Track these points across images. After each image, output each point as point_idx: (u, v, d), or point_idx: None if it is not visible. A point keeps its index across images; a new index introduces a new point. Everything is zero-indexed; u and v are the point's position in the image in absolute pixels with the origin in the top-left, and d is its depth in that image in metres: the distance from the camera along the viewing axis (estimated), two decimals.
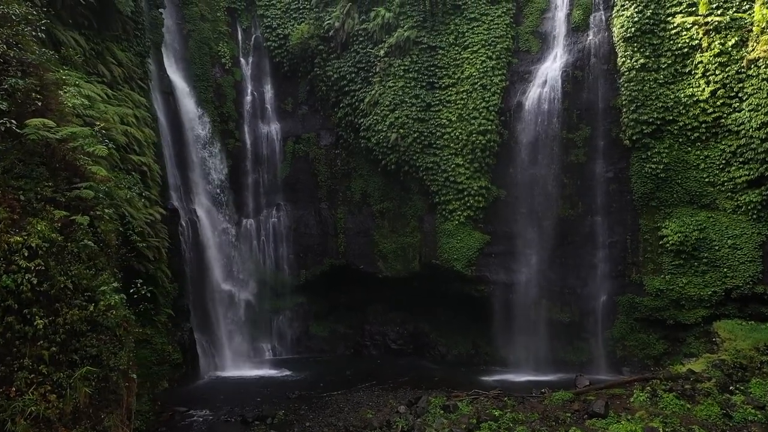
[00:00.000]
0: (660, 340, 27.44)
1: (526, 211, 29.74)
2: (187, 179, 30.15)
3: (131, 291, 13.17)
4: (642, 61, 27.24)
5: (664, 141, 27.10)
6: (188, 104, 31.02)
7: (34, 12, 12.87)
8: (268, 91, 35.42)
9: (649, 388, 19.83)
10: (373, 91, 31.86)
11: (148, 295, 13.51)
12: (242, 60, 35.00)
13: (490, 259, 30.23)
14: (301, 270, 34.35)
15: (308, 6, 34.35)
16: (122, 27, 24.74)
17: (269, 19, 34.85)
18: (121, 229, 15.42)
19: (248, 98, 34.86)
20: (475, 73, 30.35)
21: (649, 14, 27.25)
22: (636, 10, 27.44)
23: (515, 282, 29.98)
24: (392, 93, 31.27)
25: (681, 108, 26.72)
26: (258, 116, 35.00)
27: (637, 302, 27.66)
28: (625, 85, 27.60)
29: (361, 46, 32.59)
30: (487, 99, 30.00)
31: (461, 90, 30.57)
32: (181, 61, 32.12)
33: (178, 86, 30.63)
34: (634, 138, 27.48)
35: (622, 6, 27.97)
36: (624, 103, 27.68)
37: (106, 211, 12.20)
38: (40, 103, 11.78)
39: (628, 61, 27.57)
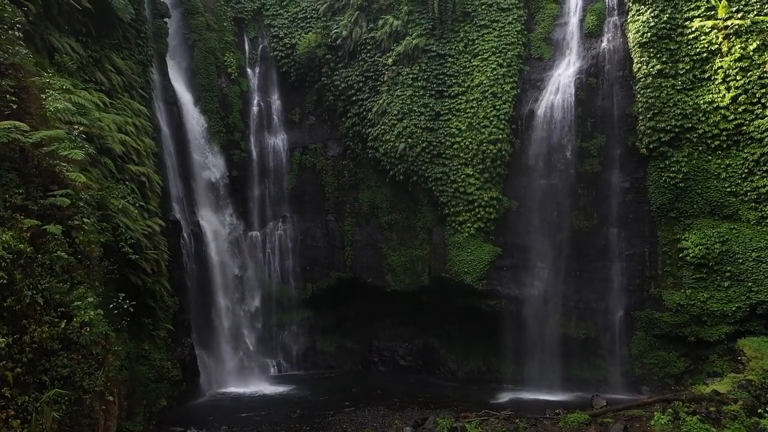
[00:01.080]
0: (681, 358, 26.17)
1: (539, 223, 28.72)
2: (191, 191, 29.52)
3: (110, 305, 12.34)
4: (659, 66, 26.24)
5: (683, 149, 25.99)
6: (193, 115, 30.48)
7: (9, 8, 12.22)
8: (275, 102, 34.84)
9: (670, 409, 18.60)
10: (381, 100, 31.16)
11: (131, 309, 12.68)
12: (249, 70, 34.49)
13: (501, 272, 29.20)
14: (307, 283, 33.50)
15: (315, 15, 33.84)
16: (123, 35, 24.24)
17: (276, 29, 34.36)
18: (103, 240, 14.50)
19: (255, 109, 34.30)
20: (485, 81, 29.54)
21: (665, 18, 26.27)
22: (652, 14, 26.48)
23: (528, 296, 28.91)
24: (400, 102, 30.55)
25: (700, 115, 25.63)
26: (264, 127, 34.40)
27: (657, 318, 26.45)
28: (642, 91, 26.60)
29: (368, 54, 31.95)
30: (498, 107, 29.14)
31: (471, 98, 29.75)
32: (186, 71, 31.66)
33: (182, 96, 30.13)
34: (651, 146, 26.42)
35: (638, 11, 27.03)
36: (640, 110, 26.66)
37: (86, 220, 11.44)
38: (15, 106, 11.09)
39: (645, 67, 26.59)
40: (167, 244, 23.82)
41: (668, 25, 26.26)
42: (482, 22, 30.27)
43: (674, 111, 25.96)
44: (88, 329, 10.34)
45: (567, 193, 28.24)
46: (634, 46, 27.02)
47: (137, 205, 18.83)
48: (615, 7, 28.43)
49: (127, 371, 19.79)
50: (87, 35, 21.38)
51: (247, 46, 34.69)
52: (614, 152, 27.76)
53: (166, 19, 29.62)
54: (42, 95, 12.64)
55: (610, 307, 27.65)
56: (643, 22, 26.65)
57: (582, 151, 28.12)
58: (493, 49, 29.84)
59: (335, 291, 33.36)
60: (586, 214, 28.28)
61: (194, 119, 30.43)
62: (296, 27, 34.16)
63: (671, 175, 26.07)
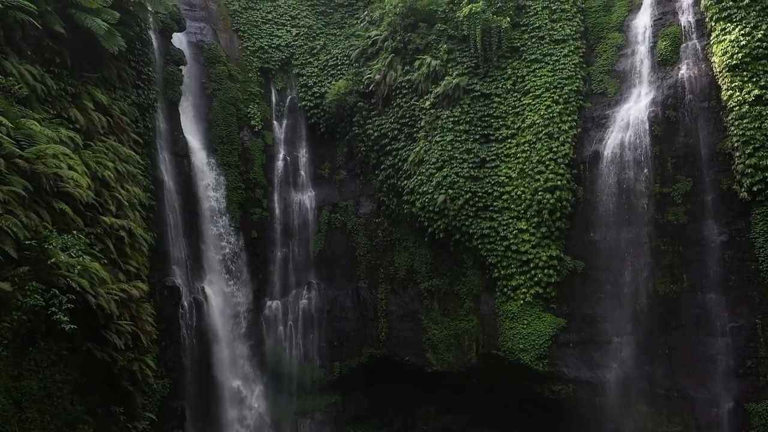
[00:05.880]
0: None
1: (612, 287, 23.88)
2: (199, 253, 25.86)
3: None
4: (756, 92, 21.65)
5: None
6: (205, 168, 27.39)
7: None
8: (303, 156, 31.45)
9: None
10: (418, 148, 27.43)
11: None
12: (275, 123, 31.42)
13: (567, 349, 24.10)
14: (334, 362, 28.74)
15: (347, 62, 31.11)
16: (117, 74, 21.53)
17: (305, 78, 31.54)
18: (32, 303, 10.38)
19: (280, 163, 30.90)
20: (538, 121, 25.49)
21: (760, 36, 22.03)
22: (742, 32, 22.28)
23: (603, 381, 23.69)
24: (439, 148, 26.66)
25: None
26: (290, 183, 30.85)
27: None
28: (736, 123, 21.82)
29: (404, 99, 28.54)
30: (555, 149, 24.88)
31: (522, 141, 25.66)
32: (202, 122, 28.83)
33: (194, 148, 27.21)
34: (754, 189, 21.24)
35: (723, 30, 22.72)
36: (736, 145, 21.74)
37: None
38: None
39: (738, 93, 21.96)
40: (154, 314, 19.78)
41: (764, 44, 21.99)
42: (533, 57, 26.88)
43: None
44: None
45: (646, 249, 23.51)
46: (721, 71, 22.56)
47: (87, 257, 14.80)
48: (693, 30, 24.31)
49: None
50: (62, 66, 18.49)
51: (273, 98, 31.87)
52: (704, 198, 22.78)
53: (181, 67, 27.12)
54: None
55: (714, 397, 21.87)
56: (731, 41, 22.37)
57: (663, 197, 23.34)
58: (547, 85, 26.09)
59: (367, 371, 28.52)
60: (672, 275, 22.97)
61: (207, 173, 27.31)
62: (326, 75, 31.35)
63: None
